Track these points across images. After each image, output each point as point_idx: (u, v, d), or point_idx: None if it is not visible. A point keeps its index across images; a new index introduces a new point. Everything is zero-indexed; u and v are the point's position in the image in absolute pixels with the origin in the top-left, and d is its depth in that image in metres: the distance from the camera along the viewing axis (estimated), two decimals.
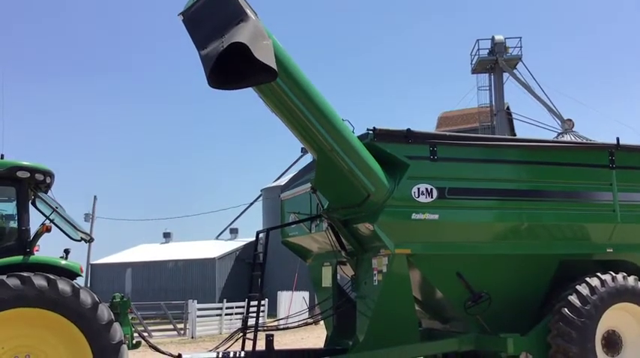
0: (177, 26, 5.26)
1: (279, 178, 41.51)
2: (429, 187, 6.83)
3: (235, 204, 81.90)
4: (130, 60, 79.11)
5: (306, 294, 26.40)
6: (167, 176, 76.87)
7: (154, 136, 77.84)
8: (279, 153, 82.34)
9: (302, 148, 34.97)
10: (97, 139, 75.26)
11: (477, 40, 35.62)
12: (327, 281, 8.09)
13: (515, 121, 37.52)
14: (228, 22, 4.92)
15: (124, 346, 6.09)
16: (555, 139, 30.10)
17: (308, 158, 7.00)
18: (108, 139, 75.65)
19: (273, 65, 4.91)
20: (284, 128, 6.24)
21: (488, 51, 35.23)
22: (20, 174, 6.41)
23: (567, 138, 30.77)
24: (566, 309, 6.90)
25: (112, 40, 79.42)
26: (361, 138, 6.70)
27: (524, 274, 7.28)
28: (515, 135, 37.03)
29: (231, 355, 6.97)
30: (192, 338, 22.35)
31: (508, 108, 37.29)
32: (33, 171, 6.50)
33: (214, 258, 39.56)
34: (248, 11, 5.08)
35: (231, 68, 4.98)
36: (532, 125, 35.63)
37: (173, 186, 76.74)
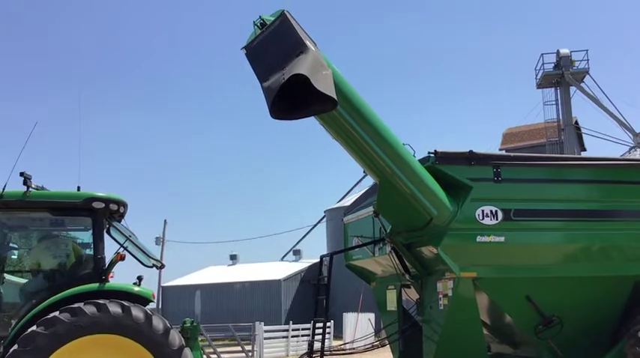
0: (241, 57, 5.45)
1: (342, 199, 41.59)
2: (494, 209, 6.73)
3: (299, 225, 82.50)
4: (194, 86, 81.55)
5: (372, 315, 26.20)
6: (233, 198, 78.35)
7: (219, 159, 79.65)
8: (342, 174, 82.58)
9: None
10: (165, 165, 77.68)
11: (542, 55, 34.87)
12: (391, 304, 8.05)
13: (584, 136, 36.36)
14: (289, 55, 5.05)
15: None
16: (626, 154, 29.00)
17: (371, 179, 7.03)
18: (175, 165, 77.93)
19: (333, 94, 5.00)
20: (346, 152, 6.32)
21: (553, 65, 34.39)
22: (96, 204, 6.71)
23: (639, 152, 29.56)
24: None
25: (178, 68, 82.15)
26: (422, 161, 6.70)
27: (596, 297, 7.03)
28: (585, 150, 35.93)
29: None
30: None
31: (577, 122, 36.17)
32: (107, 201, 6.79)
33: (280, 280, 39.90)
34: (308, 42, 5.20)
35: (293, 98, 5.10)
36: (602, 139, 34.43)
37: (239, 208, 78.12)
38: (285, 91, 4.96)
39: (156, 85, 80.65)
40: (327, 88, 4.97)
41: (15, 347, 5.80)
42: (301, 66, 4.93)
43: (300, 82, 4.91)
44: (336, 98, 5.03)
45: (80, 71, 74.57)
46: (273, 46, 5.18)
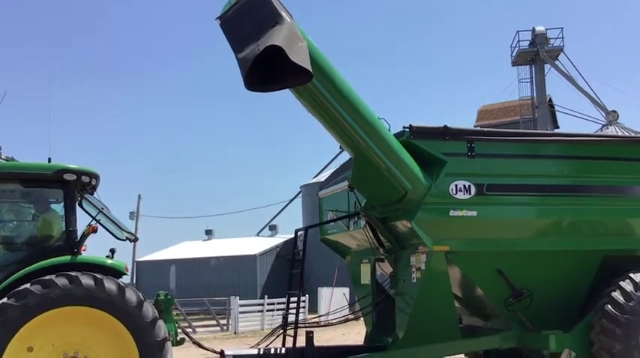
0: (216, 30, 5.37)
1: (318, 174, 41.61)
2: (467, 184, 6.79)
3: (275, 201, 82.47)
4: (168, 60, 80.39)
5: (346, 290, 26.47)
6: (208, 174, 77.95)
7: (194, 135, 78.99)
8: (318, 150, 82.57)
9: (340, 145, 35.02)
10: (139, 140, 76.80)
11: (517, 32, 35.03)
12: (365, 278, 8.12)
13: (558, 114, 36.77)
14: (264, 25, 4.99)
15: (169, 343, 6.25)
16: (599, 132, 29.44)
17: (347, 154, 7.03)
18: (150, 139, 77.10)
19: (309, 67, 4.96)
20: (322, 126, 6.30)
21: (529, 42, 34.59)
22: (67, 176, 6.62)
23: (612, 130, 30.01)
24: (609, 306, 6.78)
25: (153, 42, 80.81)
26: (397, 136, 6.71)
27: (566, 270, 7.17)
28: (558, 127, 36.37)
29: (272, 351, 7.08)
30: (235, 333, 22.69)
31: (550, 100, 36.52)
32: (79, 173, 6.71)
33: (255, 255, 40.00)
34: (283, 13, 5.14)
35: (268, 70, 5.05)
36: (575, 117, 34.87)
37: (214, 184, 77.81)
38: (260, 63, 4.91)
39: (132, 55, 79.30)
40: (303, 60, 4.94)
41: None
42: (276, 37, 4.88)
43: (276, 53, 4.86)
44: (311, 70, 5.00)
45: (51, 37, 72.97)
46: (248, 17, 5.12)
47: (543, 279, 7.14)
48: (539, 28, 34.28)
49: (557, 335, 6.89)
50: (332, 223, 8.28)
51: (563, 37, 34.53)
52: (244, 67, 4.92)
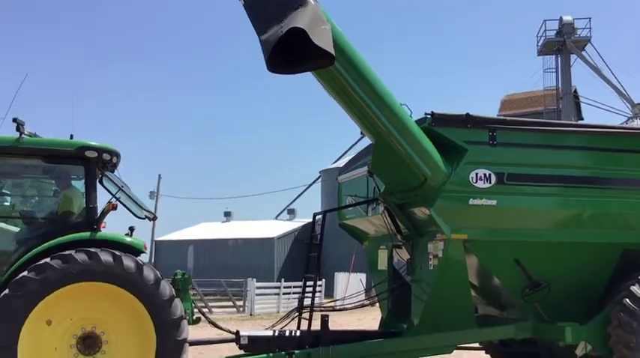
0: (239, 11, 5.34)
1: (338, 160, 41.65)
2: (488, 173, 6.73)
3: (294, 185, 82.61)
4: (190, 41, 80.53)
5: (363, 276, 26.53)
6: (228, 156, 78.26)
7: (216, 117, 79.25)
8: (339, 135, 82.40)
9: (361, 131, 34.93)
10: (161, 120, 77.28)
11: (544, 21, 34.56)
12: (382, 264, 8.12)
13: (582, 105, 36.24)
14: (288, 7, 4.96)
15: (185, 321, 6.30)
16: (624, 124, 28.97)
17: (367, 140, 7.00)
18: (172, 120, 77.52)
19: (331, 50, 4.92)
20: (343, 111, 6.27)
21: (555, 32, 34.06)
22: (88, 153, 6.67)
23: (637, 122, 29.51)
24: (627, 300, 6.71)
25: (174, 22, 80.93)
26: (419, 122, 6.65)
27: (585, 263, 7.09)
28: (582, 119, 35.88)
29: (287, 333, 7.12)
30: (251, 315, 22.91)
31: (575, 91, 36.00)
32: (100, 150, 6.75)
33: (273, 238, 40.20)
34: None
35: (291, 53, 5.03)
36: (601, 109, 34.36)
37: (234, 166, 78.12)
38: (283, 45, 4.89)
39: (154, 36, 79.57)
40: (325, 43, 4.90)
41: (6, 291, 5.84)
42: (300, 19, 4.85)
43: (299, 35, 4.84)
44: (333, 53, 4.96)
45: (72, 16, 73.39)
46: None
47: (561, 271, 7.07)
48: (567, 18, 33.73)
49: (573, 327, 6.85)
50: (350, 208, 8.28)
51: (590, 28, 34.00)
52: (267, 48, 4.90)
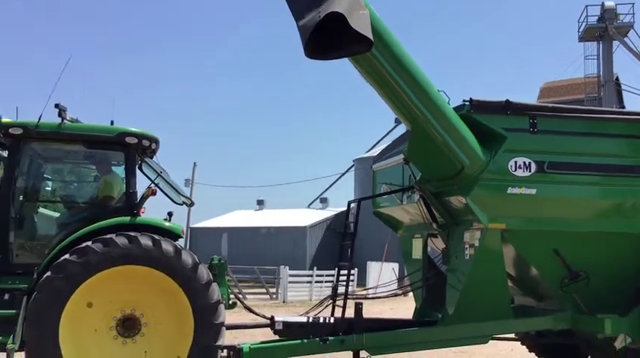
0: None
1: (371, 149, 41.46)
2: (527, 161, 6.61)
3: (327, 174, 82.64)
4: (221, 33, 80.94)
5: (395, 265, 26.45)
6: (263, 144, 78.63)
7: (250, 106, 79.64)
8: (373, 124, 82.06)
9: (395, 119, 34.69)
10: (197, 109, 78.00)
11: (586, 6, 33.69)
12: (417, 253, 8.07)
13: (624, 93, 35.34)
14: None
15: (222, 305, 6.38)
16: None
17: (401, 128, 6.93)
18: (207, 108, 78.17)
19: (370, 35, 4.88)
20: (378, 98, 6.23)
21: (597, 18, 33.22)
22: (129, 139, 6.77)
23: None
24: None
25: (212, 6, 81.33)
26: (457, 109, 6.56)
27: (625, 253, 6.92)
28: (623, 107, 34.96)
29: (321, 320, 7.15)
30: (284, 302, 23.08)
31: (617, 78, 35.09)
32: (140, 137, 6.85)
33: (305, 227, 40.35)
34: None
35: (329, 38, 5.00)
36: None
37: (267, 154, 78.50)
38: (320, 31, 4.86)
39: (189, 24, 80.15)
40: (364, 28, 4.86)
41: (48, 273, 5.98)
42: (338, 4, 4.81)
43: (337, 20, 4.80)
44: (372, 39, 4.92)
45: (112, 7, 74.32)
46: None
47: (601, 261, 6.93)
48: (609, 3, 32.86)
49: (612, 319, 6.72)
50: (385, 196, 8.23)
51: (633, 13, 33.06)
52: (305, 34, 4.88)
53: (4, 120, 6.65)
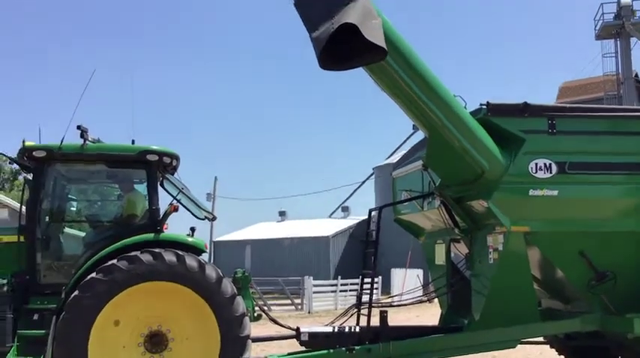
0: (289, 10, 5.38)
1: (390, 156, 41.39)
2: (548, 162, 6.57)
3: (347, 182, 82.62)
4: (238, 42, 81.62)
5: (420, 272, 26.30)
6: (281, 156, 78.89)
7: (269, 117, 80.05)
8: (391, 131, 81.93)
9: (413, 125, 34.59)
10: (217, 123, 78.61)
11: (601, 4, 33.33)
12: (440, 258, 8.04)
13: None
14: (338, 4, 4.97)
15: (247, 318, 6.40)
16: None
17: (419, 135, 6.94)
18: (226, 124, 78.71)
19: (383, 44, 4.91)
20: (395, 106, 6.24)
21: (613, 15, 32.86)
22: (150, 157, 6.86)
23: None
24: None
25: (224, 24, 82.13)
26: (474, 113, 6.56)
27: None
28: None
29: (347, 330, 7.14)
30: (309, 312, 23.05)
31: (637, 75, 34.65)
32: (161, 154, 6.94)
33: (328, 236, 40.31)
34: None
35: (343, 49, 5.04)
36: None
37: (287, 165, 78.74)
38: (334, 41, 4.91)
39: (206, 39, 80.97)
40: (377, 38, 4.89)
41: (76, 292, 6.06)
42: (350, 14, 4.86)
43: (350, 31, 4.84)
44: (385, 48, 4.95)
45: (130, 24, 75.37)
46: None
47: (628, 261, 6.85)
48: (625, 0, 32.50)
49: None
50: (406, 203, 8.22)
51: None
52: (318, 46, 4.92)
53: (27, 143, 6.78)
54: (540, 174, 6.54)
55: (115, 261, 6.14)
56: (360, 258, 8.35)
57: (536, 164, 6.56)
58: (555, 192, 6.54)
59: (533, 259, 6.90)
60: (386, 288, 27.38)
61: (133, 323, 6.26)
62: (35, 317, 6.45)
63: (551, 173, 6.56)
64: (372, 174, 42.81)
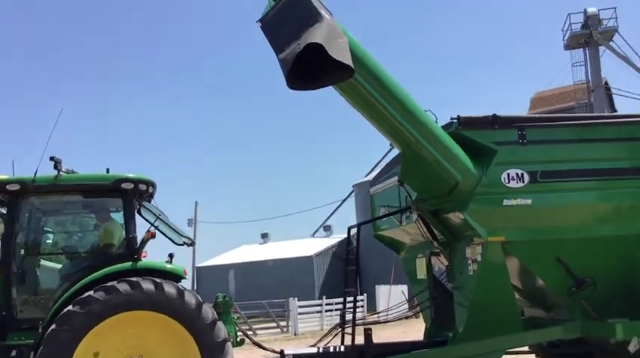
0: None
1: (369, 173, 41.49)
2: (520, 172, 6.65)
3: (328, 201, 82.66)
4: (205, 63, 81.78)
5: (404, 288, 26.26)
6: (260, 179, 78.79)
7: (245, 140, 80.00)
8: (369, 148, 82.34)
9: None
10: (193, 150, 78.35)
11: (569, 14, 34.07)
12: (421, 272, 8.05)
13: (615, 97, 35.54)
14: (304, 25, 5.02)
15: (229, 343, 6.35)
16: None
17: (396, 150, 6.99)
18: (203, 149, 78.48)
19: (349, 62, 4.96)
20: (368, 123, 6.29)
21: (581, 25, 33.57)
22: (125, 185, 6.83)
23: None
24: None
25: (194, 46, 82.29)
26: (445, 127, 6.63)
27: (629, 256, 6.91)
28: (615, 111, 35.15)
29: (332, 350, 7.10)
30: (295, 334, 22.87)
31: (606, 83, 35.35)
32: (137, 182, 6.91)
33: (311, 256, 40.21)
34: (322, 12, 5.16)
35: (310, 69, 5.08)
36: (634, 99, 33.67)
37: (268, 187, 78.57)
38: (301, 62, 4.95)
39: (179, 62, 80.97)
40: (343, 56, 4.94)
41: (53, 326, 5.98)
42: (316, 34, 4.90)
43: (317, 51, 4.89)
44: (352, 66, 5.00)
45: (106, 51, 75.19)
46: (288, 17, 5.16)
47: (606, 266, 6.91)
48: (591, 10, 33.25)
49: (623, 323, 6.67)
50: (384, 219, 8.25)
51: (616, 17, 33.40)
52: (286, 67, 4.96)
53: (0, 177, 6.71)
54: (513, 184, 6.62)
55: (91, 293, 6.08)
56: (343, 276, 8.34)
57: (509, 174, 6.63)
58: (529, 201, 6.61)
59: (513, 269, 6.95)
60: (372, 306, 27.29)
61: (113, 354, 6.18)
62: (13, 353, 6.35)
63: (523, 182, 6.64)
64: (352, 192, 42.90)
